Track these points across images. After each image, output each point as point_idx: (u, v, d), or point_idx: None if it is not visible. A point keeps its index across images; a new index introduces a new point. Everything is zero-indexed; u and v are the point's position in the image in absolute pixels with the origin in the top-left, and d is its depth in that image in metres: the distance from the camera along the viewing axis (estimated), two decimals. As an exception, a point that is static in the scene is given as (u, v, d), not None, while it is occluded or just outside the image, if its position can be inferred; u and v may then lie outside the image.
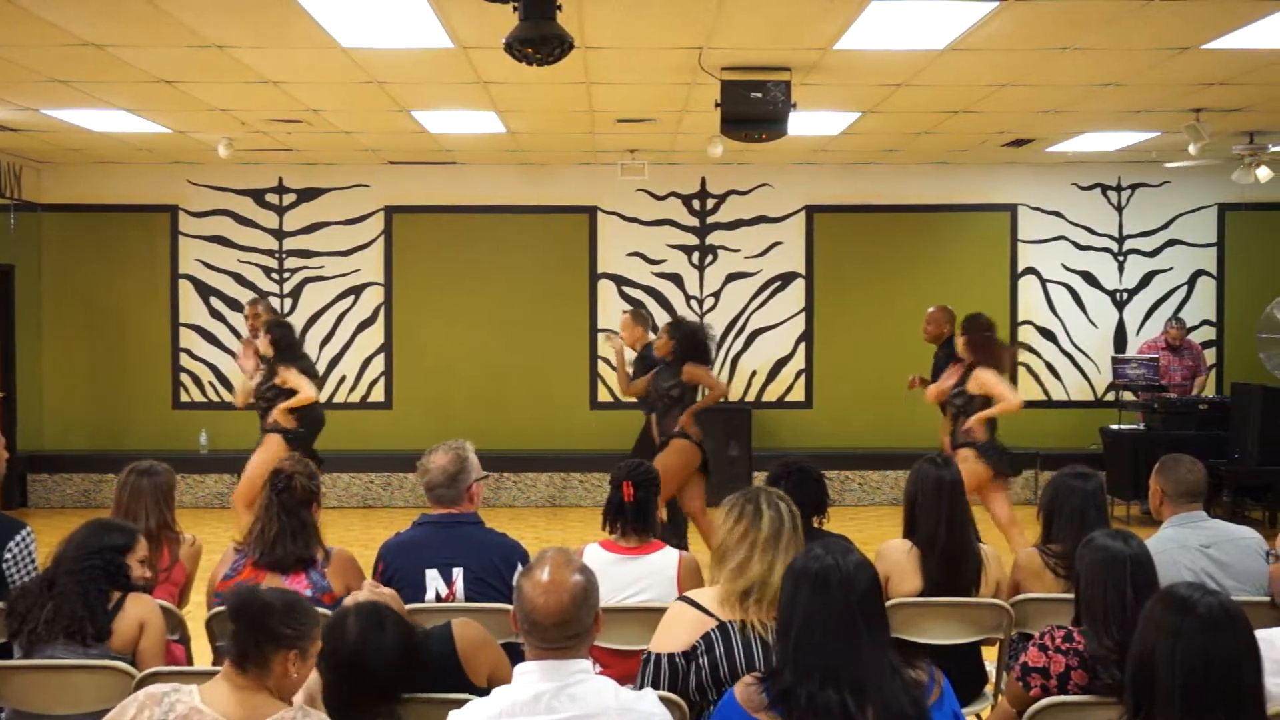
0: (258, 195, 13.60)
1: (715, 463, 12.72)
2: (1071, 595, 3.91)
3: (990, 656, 5.13)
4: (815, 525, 5.03)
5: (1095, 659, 3.61)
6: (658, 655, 3.65)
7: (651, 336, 9.73)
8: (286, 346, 9.45)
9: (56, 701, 4.00)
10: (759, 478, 11.98)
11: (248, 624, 3.20)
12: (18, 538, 4.92)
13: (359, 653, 3.38)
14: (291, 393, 9.29)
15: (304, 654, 3.22)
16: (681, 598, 3.82)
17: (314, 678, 3.39)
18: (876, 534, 10.20)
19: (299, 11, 6.95)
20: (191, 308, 13.59)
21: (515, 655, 3.43)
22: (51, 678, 4.01)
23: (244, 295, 13.47)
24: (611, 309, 13.56)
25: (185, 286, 13.61)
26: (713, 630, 3.60)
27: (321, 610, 4.51)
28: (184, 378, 13.58)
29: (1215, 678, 2.79)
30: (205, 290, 13.59)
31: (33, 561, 4.97)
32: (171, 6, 6.87)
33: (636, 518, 4.85)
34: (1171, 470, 5.01)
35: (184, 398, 13.54)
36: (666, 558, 4.80)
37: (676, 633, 3.66)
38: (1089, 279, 13.83)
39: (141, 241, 13.56)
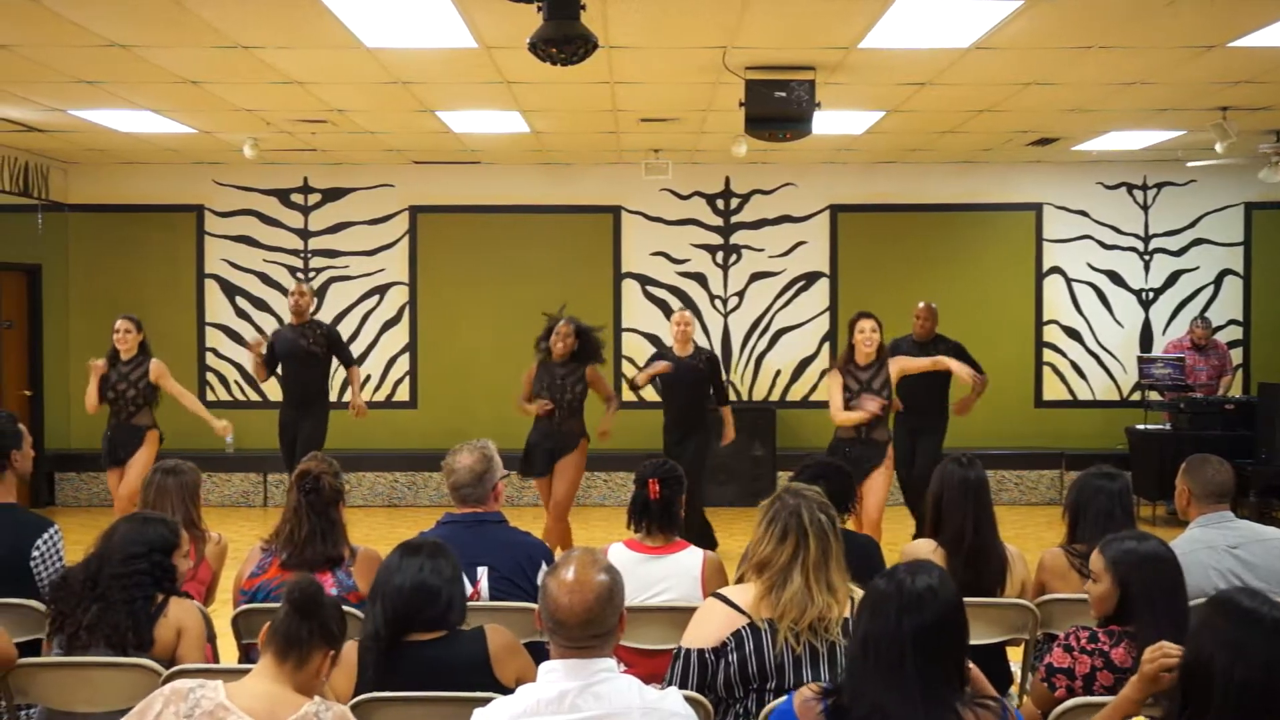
0: (283, 195, 13.66)
1: (739, 462, 12.81)
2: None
3: (1015, 657, 5.11)
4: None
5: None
6: (687, 650, 3.66)
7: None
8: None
9: (87, 699, 4.00)
10: (783, 476, 11.97)
11: (304, 612, 3.20)
12: (45, 536, 4.93)
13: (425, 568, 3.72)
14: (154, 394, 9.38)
15: (336, 659, 3.23)
16: (714, 594, 3.81)
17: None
18: (903, 534, 10.17)
19: (324, 12, 6.98)
20: (217, 307, 13.66)
21: (539, 654, 3.43)
22: (82, 676, 4.00)
23: (269, 295, 13.56)
24: (636, 309, 13.57)
25: (211, 286, 13.68)
26: (744, 628, 3.61)
27: (348, 609, 4.54)
28: (210, 377, 13.64)
29: (1275, 688, 2.77)
30: (231, 290, 13.65)
31: (60, 559, 4.96)
32: (197, 7, 6.91)
33: (662, 516, 4.85)
34: (1199, 470, 4.95)
35: (210, 397, 13.59)
36: (691, 557, 4.80)
37: (707, 629, 3.67)
38: (1115, 278, 13.77)
39: (167, 241, 13.64)
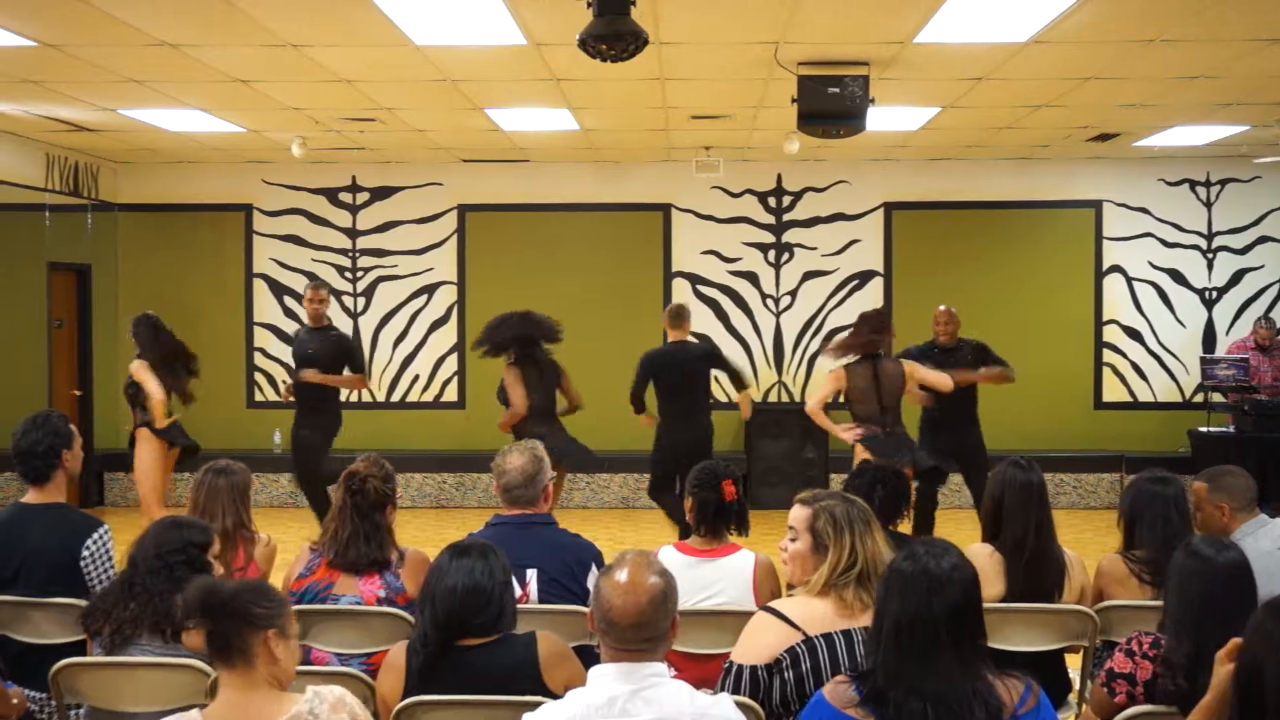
0: (331, 194, 13.67)
1: (792, 464, 12.68)
2: (1158, 602, 3.80)
3: (1074, 664, 5.01)
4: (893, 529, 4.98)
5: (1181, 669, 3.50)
6: (739, 666, 3.56)
7: None
8: (143, 342, 9.19)
9: (133, 699, 4.00)
10: (835, 479, 11.86)
11: (220, 612, 3.11)
12: (95, 535, 4.96)
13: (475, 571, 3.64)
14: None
15: (283, 633, 3.13)
16: (765, 608, 3.72)
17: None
18: (956, 537, 9.99)
19: (373, 9, 6.96)
20: (265, 307, 13.70)
21: (589, 659, 3.40)
22: (129, 674, 4.01)
23: (318, 295, 13.57)
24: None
25: (259, 285, 13.72)
26: (799, 645, 3.51)
27: (396, 611, 4.51)
28: (258, 377, 13.68)
29: None
30: (279, 289, 13.68)
31: (110, 559, 5.01)
32: (246, 6, 6.90)
33: (740, 517, 4.85)
34: (1233, 483, 4.99)
35: (258, 397, 13.64)
36: (742, 560, 4.74)
37: (760, 645, 3.57)
38: (1176, 277, 13.52)
39: (216, 241, 13.70)
